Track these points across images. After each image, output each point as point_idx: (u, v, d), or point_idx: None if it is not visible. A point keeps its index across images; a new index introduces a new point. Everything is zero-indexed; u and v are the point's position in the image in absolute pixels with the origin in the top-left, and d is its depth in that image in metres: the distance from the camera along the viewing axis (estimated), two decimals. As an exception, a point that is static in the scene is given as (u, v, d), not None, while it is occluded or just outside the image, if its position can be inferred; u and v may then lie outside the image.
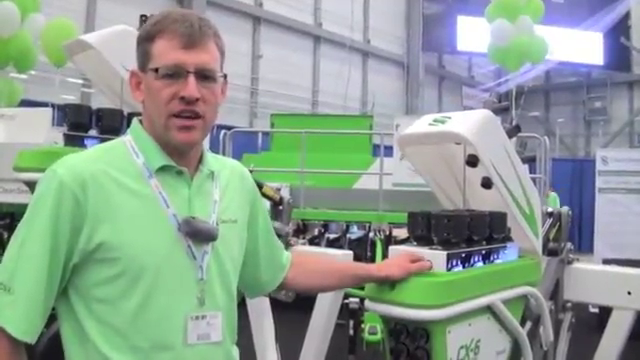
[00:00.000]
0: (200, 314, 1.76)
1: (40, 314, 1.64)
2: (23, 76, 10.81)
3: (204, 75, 1.75)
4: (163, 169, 1.77)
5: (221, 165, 1.97)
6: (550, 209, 3.91)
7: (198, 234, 1.76)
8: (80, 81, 12.76)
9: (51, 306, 1.68)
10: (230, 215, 1.90)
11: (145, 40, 1.78)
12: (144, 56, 1.78)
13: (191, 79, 1.72)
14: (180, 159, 1.80)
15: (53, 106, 8.12)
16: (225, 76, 1.84)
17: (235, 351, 1.93)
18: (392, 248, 2.64)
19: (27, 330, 1.62)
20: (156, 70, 1.73)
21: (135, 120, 1.86)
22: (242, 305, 4.16)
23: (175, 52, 1.73)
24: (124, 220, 1.68)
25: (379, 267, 2.40)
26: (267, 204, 4.44)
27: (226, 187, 1.93)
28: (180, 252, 1.74)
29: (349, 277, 2.37)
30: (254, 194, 2.08)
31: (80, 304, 1.70)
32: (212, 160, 1.93)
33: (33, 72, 11.11)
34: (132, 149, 1.79)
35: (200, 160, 1.87)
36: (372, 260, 8.38)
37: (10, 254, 1.66)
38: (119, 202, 1.69)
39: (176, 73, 1.72)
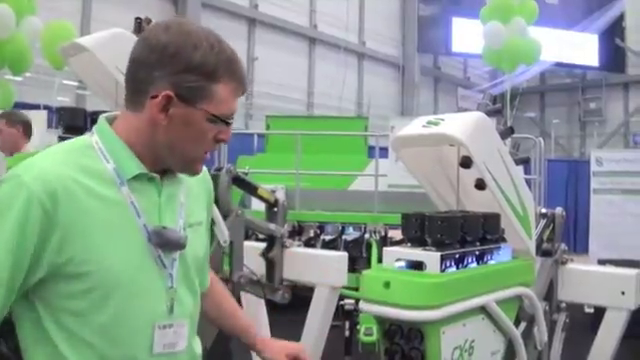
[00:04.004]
0: (168, 323, 1.73)
1: None
2: (18, 78, 10.78)
3: None
4: (135, 176, 1.70)
5: None
6: (544, 210, 3.93)
7: (168, 244, 1.73)
8: (75, 83, 12.74)
9: (1, 318, 1.59)
10: (196, 218, 1.89)
11: (205, 74, 1.67)
12: (200, 91, 1.67)
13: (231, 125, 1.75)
14: (153, 165, 1.74)
15: (48, 108, 8.13)
16: None
17: (197, 343, 1.90)
18: (387, 250, 2.65)
19: None
20: (216, 116, 1.70)
21: (103, 120, 1.77)
22: (238, 303, 4.18)
23: (234, 101, 1.74)
24: (95, 231, 1.61)
25: (265, 343, 2.27)
26: (262, 205, 4.45)
27: (190, 189, 1.89)
28: (150, 262, 1.71)
29: (238, 331, 2.25)
30: (210, 188, 2.07)
31: (48, 317, 1.63)
32: None
33: (28, 74, 11.09)
34: (101, 152, 1.70)
35: None
36: (368, 261, 8.39)
37: None
38: (90, 212, 1.61)
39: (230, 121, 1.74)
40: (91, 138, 1.73)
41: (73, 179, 1.60)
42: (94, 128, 1.75)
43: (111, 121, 1.76)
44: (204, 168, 1.96)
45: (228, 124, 1.74)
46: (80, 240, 1.58)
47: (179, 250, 1.77)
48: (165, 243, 1.72)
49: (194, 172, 1.79)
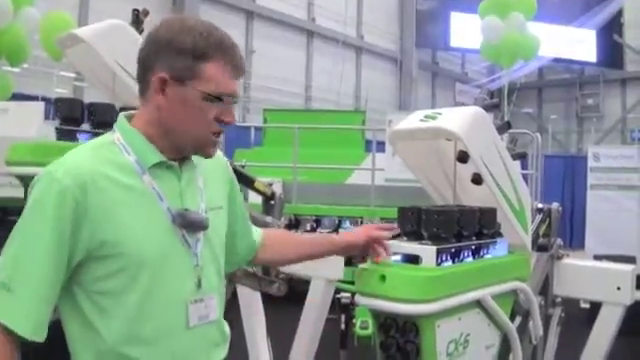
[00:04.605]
0: (198, 297, 1.88)
1: (40, 312, 1.70)
2: (16, 69, 10.75)
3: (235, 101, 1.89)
4: (154, 164, 1.85)
5: None
6: (540, 205, 3.93)
7: (191, 225, 1.87)
8: (73, 75, 12.72)
9: (54, 303, 1.74)
10: (216, 202, 2.03)
11: (195, 56, 1.80)
12: (190, 71, 1.81)
13: (234, 107, 1.89)
14: (171, 154, 1.89)
15: (46, 100, 8.10)
16: None
17: (225, 325, 2.07)
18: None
19: (26, 327, 1.67)
20: (208, 94, 1.81)
21: (122, 117, 1.92)
22: (234, 298, 4.18)
23: (231, 81, 1.85)
24: (123, 217, 1.76)
25: (341, 235, 2.50)
26: (259, 198, 4.46)
27: (209, 175, 2.03)
28: (176, 243, 1.85)
29: (317, 246, 2.46)
30: (230, 176, 2.20)
31: (84, 298, 1.78)
32: None
33: (26, 65, 11.06)
34: (122, 147, 1.85)
35: None
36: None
37: (9, 254, 1.70)
38: (117, 200, 1.76)
39: (227, 101, 1.85)
40: (113, 135, 1.89)
41: (100, 172, 1.77)
42: (115, 126, 1.92)
43: (130, 118, 1.92)
44: (224, 159, 2.17)
45: (222, 100, 1.84)
46: (109, 226, 1.74)
47: (202, 230, 1.91)
48: (189, 224, 1.86)
49: (206, 154, 1.92)
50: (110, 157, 1.82)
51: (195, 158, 1.97)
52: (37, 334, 1.69)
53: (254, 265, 2.39)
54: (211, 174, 2.04)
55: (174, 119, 1.84)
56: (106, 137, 1.90)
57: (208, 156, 1.92)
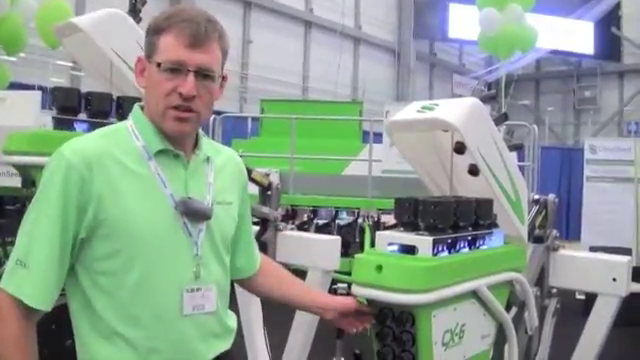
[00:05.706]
0: (195, 287, 1.89)
1: (54, 285, 1.79)
2: (12, 58, 10.72)
3: (203, 74, 1.87)
4: (161, 152, 1.90)
5: (215, 151, 2.10)
6: (536, 196, 3.94)
7: (194, 213, 1.90)
8: (70, 64, 12.69)
9: (64, 277, 1.82)
10: (224, 197, 2.04)
11: (154, 33, 1.89)
12: (150, 47, 1.89)
13: (190, 77, 1.85)
14: (177, 143, 1.93)
15: (43, 89, 8.10)
16: (225, 77, 1.99)
17: (230, 318, 2.10)
18: (379, 234, 2.66)
19: (42, 300, 1.77)
20: (159, 64, 1.85)
21: (136, 106, 1.98)
22: (231, 289, 4.18)
23: (179, 50, 1.84)
24: (125, 199, 1.81)
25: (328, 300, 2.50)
26: (255, 189, 4.45)
27: (220, 171, 2.06)
28: (177, 229, 1.88)
29: (303, 293, 2.46)
30: (245, 182, 2.22)
31: (85, 277, 1.83)
32: (207, 145, 2.05)
33: (23, 55, 11.03)
34: (133, 133, 1.91)
35: (196, 144, 2.00)
36: (361, 246, 8.41)
37: (24, 232, 1.80)
38: (121, 182, 1.81)
39: (177, 69, 1.85)
40: (126, 123, 1.96)
41: (108, 154, 1.83)
42: (130, 114, 1.98)
43: (144, 107, 1.98)
44: (242, 163, 2.20)
45: (177, 71, 1.85)
46: (111, 206, 1.79)
47: (205, 220, 1.94)
48: (191, 212, 1.89)
49: (167, 130, 1.90)
50: (120, 142, 1.88)
51: (210, 153, 2.03)
52: (43, 304, 1.78)
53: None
54: (225, 171, 2.08)
55: (149, 97, 1.91)
56: (120, 124, 1.98)
57: (171, 131, 1.89)
